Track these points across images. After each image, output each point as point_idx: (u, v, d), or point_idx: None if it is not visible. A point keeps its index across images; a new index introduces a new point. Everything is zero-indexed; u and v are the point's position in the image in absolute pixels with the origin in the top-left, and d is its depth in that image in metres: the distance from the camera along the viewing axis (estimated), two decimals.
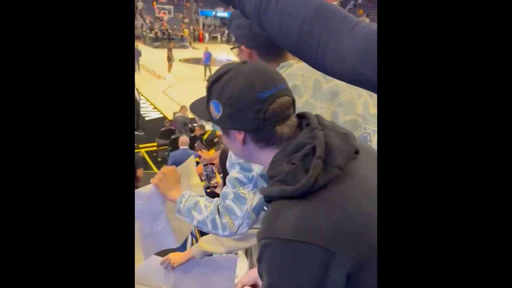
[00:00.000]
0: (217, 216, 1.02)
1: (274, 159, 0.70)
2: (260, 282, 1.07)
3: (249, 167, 0.98)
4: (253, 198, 0.99)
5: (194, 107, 0.84)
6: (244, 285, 1.07)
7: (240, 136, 0.72)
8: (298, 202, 0.62)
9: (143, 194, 1.18)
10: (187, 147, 5.41)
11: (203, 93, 0.77)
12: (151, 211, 1.22)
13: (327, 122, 0.72)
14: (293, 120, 0.72)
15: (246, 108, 0.68)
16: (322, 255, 0.58)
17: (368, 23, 0.56)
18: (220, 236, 1.05)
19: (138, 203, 1.17)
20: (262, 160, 0.74)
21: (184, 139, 5.56)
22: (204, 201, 1.08)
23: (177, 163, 1.39)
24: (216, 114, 0.72)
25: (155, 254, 1.39)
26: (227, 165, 1.03)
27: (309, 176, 0.62)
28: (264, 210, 1.08)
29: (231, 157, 1.01)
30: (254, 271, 1.09)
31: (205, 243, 1.46)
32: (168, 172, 1.19)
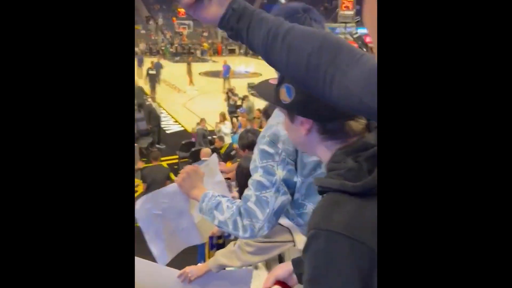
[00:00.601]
0: (238, 218, 1.03)
1: (337, 153, 0.68)
2: (294, 278, 1.01)
3: (272, 171, 0.99)
4: (275, 202, 1.00)
5: (259, 88, 0.81)
6: (277, 278, 0.99)
7: (307, 124, 0.70)
8: (356, 199, 0.61)
9: (167, 193, 1.23)
10: (208, 158, 5.50)
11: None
12: (175, 209, 1.26)
13: None
14: (363, 118, 0.70)
15: None
16: (370, 255, 0.57)
17: (374, 55, 0.57)
18: (240, 237, 1.06)
19: (164, 202, 1.21)
20: (320, 152, 0.73)
21: (206, 151, 5.65)
22: (226, 202, 1.09)
23: None
24: (287, 98, 0.70)
25: (173, 262, 1.42)
26: (251, 167, 1.04)
27: (373, 177, 0.60)
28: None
29: (255, 160, 1.02)
30: (288, 264, 1.01)
31: (221, 256, 1.48)
32: (191, 171, 1.20)
